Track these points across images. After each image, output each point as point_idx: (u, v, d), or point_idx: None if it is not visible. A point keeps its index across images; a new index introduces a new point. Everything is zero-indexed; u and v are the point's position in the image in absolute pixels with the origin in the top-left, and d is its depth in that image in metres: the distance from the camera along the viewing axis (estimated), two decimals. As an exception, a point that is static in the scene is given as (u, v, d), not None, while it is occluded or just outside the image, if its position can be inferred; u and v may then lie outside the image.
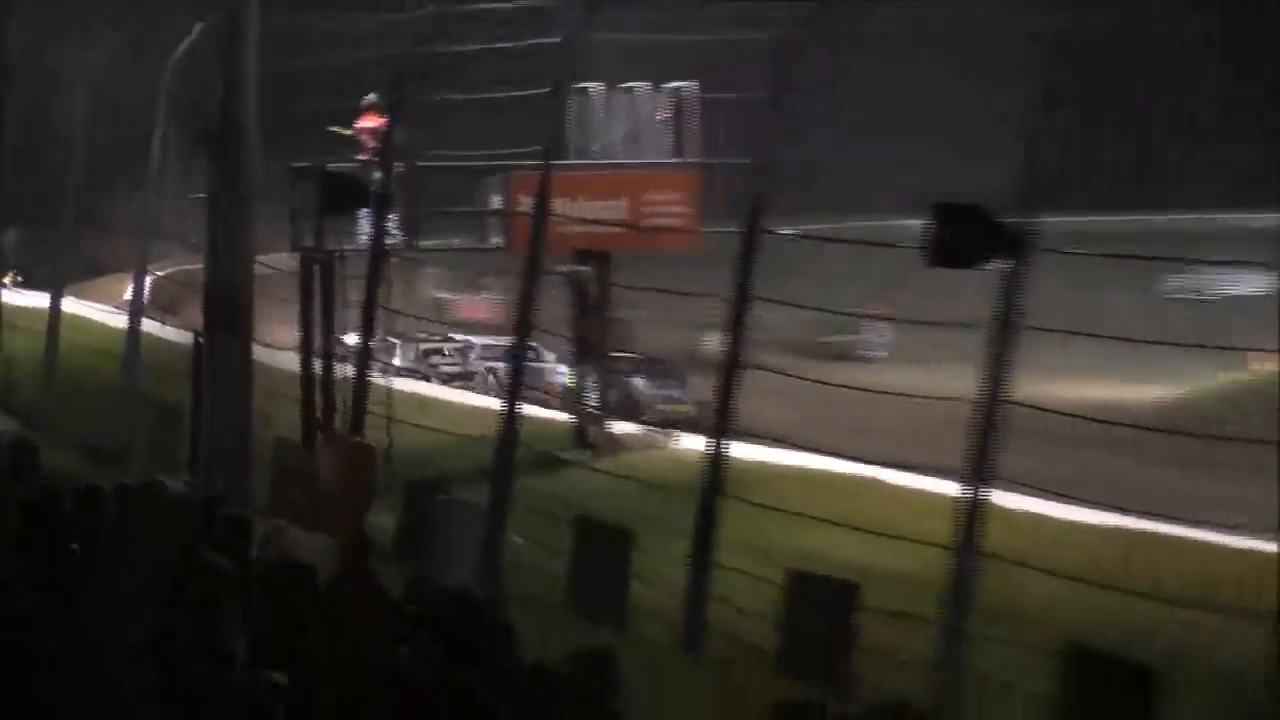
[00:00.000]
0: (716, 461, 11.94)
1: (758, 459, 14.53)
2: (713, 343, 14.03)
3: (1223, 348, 15.67)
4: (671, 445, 16.94)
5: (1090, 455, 15.10)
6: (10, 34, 21.71)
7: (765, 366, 13.46)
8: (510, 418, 13.56)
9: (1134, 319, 16.97)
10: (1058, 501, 13.32)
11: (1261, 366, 17.22)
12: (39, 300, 22.04)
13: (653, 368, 19.57)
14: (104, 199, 22.51)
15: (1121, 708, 9.23)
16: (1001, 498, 11.04)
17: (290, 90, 18.75)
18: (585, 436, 16.79)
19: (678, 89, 18.26)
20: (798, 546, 12.33)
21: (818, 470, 15.56)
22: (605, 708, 4.38)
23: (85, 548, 6.15)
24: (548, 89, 15.02)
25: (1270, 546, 11.05)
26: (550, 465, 15.79)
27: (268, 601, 5.43)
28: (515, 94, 17.25)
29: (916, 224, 11.10)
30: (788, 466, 15.45)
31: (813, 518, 12.59)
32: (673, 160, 19.13)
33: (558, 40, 14.96)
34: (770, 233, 12.30)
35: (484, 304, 21.89)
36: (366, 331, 15.65)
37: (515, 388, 14.08)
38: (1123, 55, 32.17)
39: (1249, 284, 23.20)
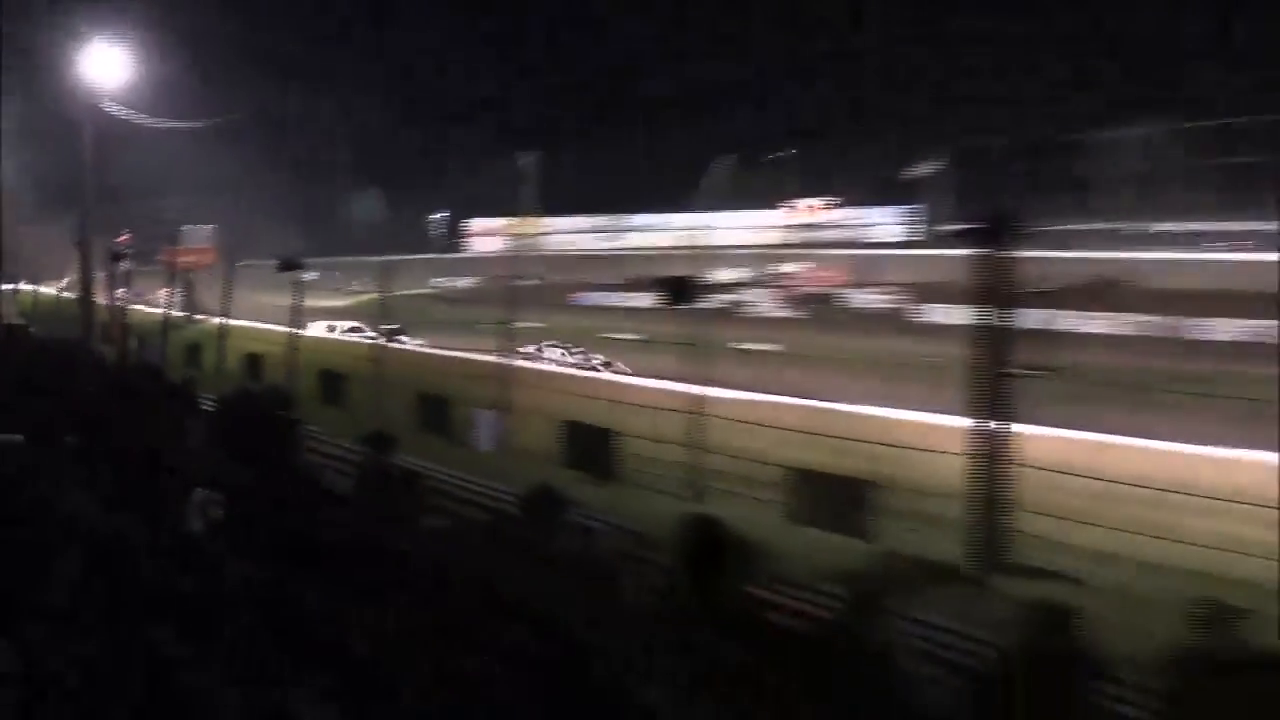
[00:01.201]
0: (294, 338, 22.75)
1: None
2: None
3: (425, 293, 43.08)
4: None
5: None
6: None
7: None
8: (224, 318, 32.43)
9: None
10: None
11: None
12: (27, 287, 41.41)
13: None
14: (48, 253, 42.43)
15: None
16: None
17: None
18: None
19: (206, 228, 48.93)
20: (324, 363, 22.38)
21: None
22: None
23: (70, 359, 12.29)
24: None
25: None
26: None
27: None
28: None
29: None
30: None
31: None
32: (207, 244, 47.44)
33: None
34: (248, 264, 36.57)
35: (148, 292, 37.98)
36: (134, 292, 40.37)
37: (226, 310, 38.56)
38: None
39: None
